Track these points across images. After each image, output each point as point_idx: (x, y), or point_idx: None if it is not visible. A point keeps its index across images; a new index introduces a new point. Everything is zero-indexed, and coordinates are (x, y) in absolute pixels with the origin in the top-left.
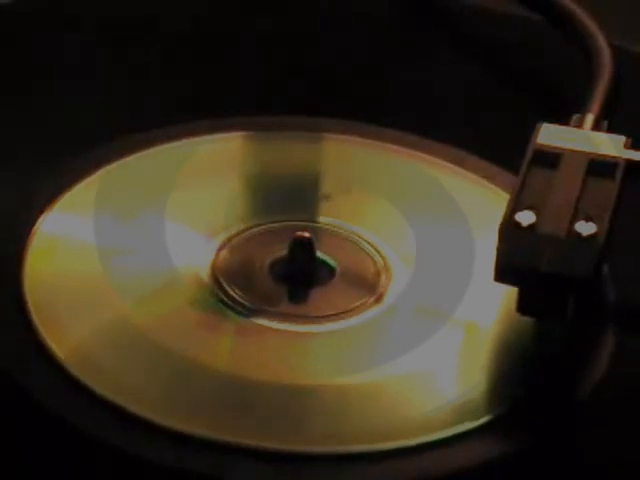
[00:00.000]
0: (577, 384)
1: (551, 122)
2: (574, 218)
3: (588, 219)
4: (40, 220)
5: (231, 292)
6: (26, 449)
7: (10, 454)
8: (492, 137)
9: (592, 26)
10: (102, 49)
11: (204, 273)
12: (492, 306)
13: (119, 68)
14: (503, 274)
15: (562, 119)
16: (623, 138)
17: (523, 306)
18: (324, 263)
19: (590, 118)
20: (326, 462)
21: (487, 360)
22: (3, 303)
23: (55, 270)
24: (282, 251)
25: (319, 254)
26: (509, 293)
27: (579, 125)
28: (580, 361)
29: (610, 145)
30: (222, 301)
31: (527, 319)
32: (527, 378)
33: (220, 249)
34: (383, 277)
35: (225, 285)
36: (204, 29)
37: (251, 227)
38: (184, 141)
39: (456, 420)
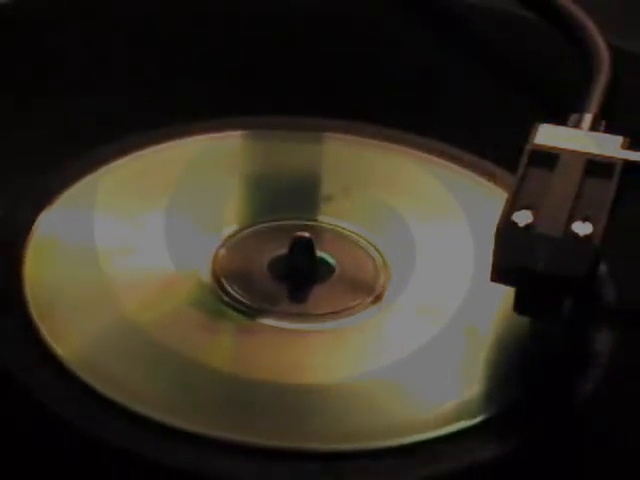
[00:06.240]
0: (576, 384)
1: (550, 122)
2: (571, 218)
3: (585, 219)
4: (40, 220)
5: (231, 291)
6: (26, 449)
7: (10, 454)
8: (492, 137)
9: (590, 26)
10: (102, 49)
11: (204, 272)
12: (491, 306)
13: (119, 68)
14: (500, 274)
15: (561, 119)
16: (621, 138)
17: (520, 306)
18: (324, 263)
19: (588, 118)
20: (325, 461)
21: (486, 360)
22: (3, 302)
23: (55, 270)
24: (282, 250)
25: (319, 254)
26: (508, 293)
27: (577, 125)
28: (580, 361)
29: (608, 145)
30: (222, 300)
31: (527, 319)
32: (526, 378)
33: (220, 248)
34: (383, 277)
35: (225, 284)
36: (203, 29)
37: (251, 226)
38: (184, 141)
39: (455, 419)
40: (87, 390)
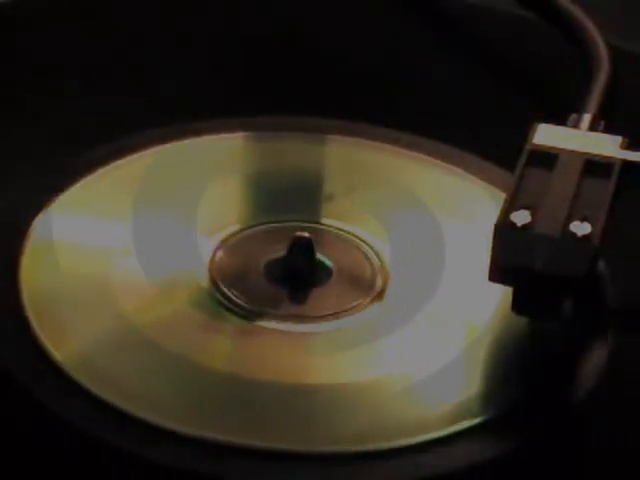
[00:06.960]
0: (576, 384)
1: (550, 122)
2: (569, 218)
3: (583, 219)
4: (39, 220)
5: (230, 293)
6: (26, 449)
7: (10, 454)
8: (492, 137)
9: (590, 26)
10: (102, 49)
11: (203, 273)
12: (491, 306)
13: (119, 68)
14: (498, 274)
15: (561, 119)
16: (619, 138)
17: (518, 306)
18: (323, 264)
19: (587, 118)
20: (326, 462)
21: (486, 360)
22: (1, 304)
23: (53, 270)
24: (281, 252)
25: (318, 255)
26: (508, 293)
27: (576, 125)
28: (579, 361)
29: (606, 145)
30: (221, 302)
31: (526, 319)
32: (526, 378)
33: (219, 249)
34: (382, 277)
35: (224, 286)
36: (204, 29)
37: (250, 227)
38: (184, 141)
39: (455, 420)
40: (86, 392)
